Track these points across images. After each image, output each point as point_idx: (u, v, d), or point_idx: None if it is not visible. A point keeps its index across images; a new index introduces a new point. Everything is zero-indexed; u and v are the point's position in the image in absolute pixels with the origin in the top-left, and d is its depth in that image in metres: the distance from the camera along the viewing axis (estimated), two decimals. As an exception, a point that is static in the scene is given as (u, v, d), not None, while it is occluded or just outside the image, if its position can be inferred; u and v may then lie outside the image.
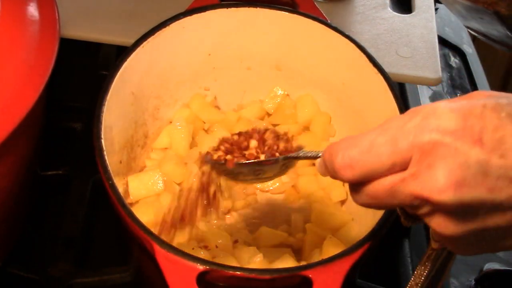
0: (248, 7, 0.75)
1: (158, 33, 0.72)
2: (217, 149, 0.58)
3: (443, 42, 1.04)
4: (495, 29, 0.63)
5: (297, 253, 0.70)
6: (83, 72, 0.88)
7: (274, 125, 0.80)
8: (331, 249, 0.65)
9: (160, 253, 0.53)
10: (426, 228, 0.57)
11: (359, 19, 0.92)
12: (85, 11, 0.87)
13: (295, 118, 0.80)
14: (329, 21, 0.75)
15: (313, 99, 0.79)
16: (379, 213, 0.59)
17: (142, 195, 0.69)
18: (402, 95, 0.95)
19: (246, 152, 0.57)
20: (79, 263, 0.71)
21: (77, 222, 0.73)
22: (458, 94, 1.00)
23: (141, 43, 0.70)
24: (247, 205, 0.75)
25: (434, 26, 0.91)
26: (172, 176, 0.72)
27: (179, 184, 0.73)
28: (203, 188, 0.60)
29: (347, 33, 0.74)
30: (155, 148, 0.76)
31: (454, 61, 1.05)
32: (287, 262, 0.67)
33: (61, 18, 0.65)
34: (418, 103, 0.95)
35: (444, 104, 0.44)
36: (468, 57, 1.05)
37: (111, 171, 0.59)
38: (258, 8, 0.75)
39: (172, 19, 0.73)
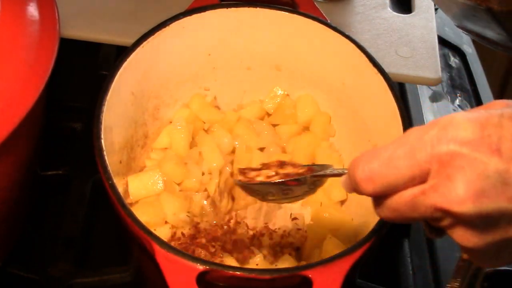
0: (248, 7, 0.75)
1: (158, 33, 0.72)
2: (246, 172, 0.59)
3: (443, 42, 1.04)
4: (488, 27, 0.63)
5: (297, 253, 0.70)
6: (83, 72, 0.88)
7: (274, 125, 0.80)
8: (331, 249, 0.65)
9: (160, 253, 0.53)
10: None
11: (359, 19, 0.92)
12: (85, 11, 0.87)
13: (295, 118, 0.80)
14: (329, 21, 0.75)
15: (313, 99, 0.79)
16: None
17: (142, 195, 0.69)
18: (402, 95, 0.95)
19: (273, 173, 0.58)
20: (79, 263, 0.71)
21: (77, 222, 0.73)
22: (458, 94, 1.00)
23: (141, 43, 0.70)
24: (247, 205, 0.75)
25: (434, 26, 0.91)
26: (172, 176, 0.72)
27: (179, 184, 0.73)
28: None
29: (347, 33, 0.74)
30: (155, 148, 0.76)
31: (454, 61, 1.05)
32: (287, 262, 0.67)
33: (61, 18, 0.65)
34: (418, 103, 0.95)
35: (461, 114, 0.43)
36: (468, 57, 1.05)
37: (111, 171, 0.59)
38: (258, 8, 0.75)
39: (172, 19, 0.73)
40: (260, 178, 0.58)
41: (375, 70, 0.71)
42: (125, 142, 0.70)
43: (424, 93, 0.98)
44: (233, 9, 0.75)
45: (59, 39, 0.63)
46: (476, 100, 0.99)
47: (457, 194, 0.42)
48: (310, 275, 0.54)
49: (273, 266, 0.67)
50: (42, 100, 0.61)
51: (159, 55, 0.73)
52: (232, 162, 0.76)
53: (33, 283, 0.69)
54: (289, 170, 0.58)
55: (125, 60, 0.69)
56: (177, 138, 0.75)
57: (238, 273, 0.54)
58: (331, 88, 0.77)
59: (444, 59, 1.04)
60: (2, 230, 0.66)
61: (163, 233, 0.68)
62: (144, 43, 0.71)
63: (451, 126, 0.43)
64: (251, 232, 0.71)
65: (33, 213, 0.74)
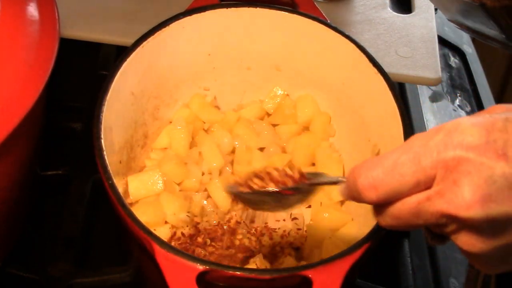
0: (248, 7, 0.75)
1: (158, 33, 0.72)
2: (241, 183, 0.58)
3: (443, 42, 1.04)
4: (484, 24, 0.62)
5: (297, 253, 0.70)
6: (83, 72, 0.88)
7: (274, 125, 0.80)
8: (331, 249, 0.65)
9: (160, 253, 0.53)
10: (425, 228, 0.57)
11: (359, 19, 0.92)
12: (85, 11, 0.87)
13: (295, 118, 0.80)
14: (329, 21, 0.75)
15: (313, 99, 0.79)
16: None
17: (142, 195, 0.69)
18: (402, 95, 0.95)
19: (268, 182, 0.57)
20: (79, 263, 0.71)
21: (77, 222, 0.73)
22: (458, 94, 1.00)
23: (141, 43, 0.70)
24: (247, 205, 0.75)
25: (434, 26, 0.92)
26: (172, 176, 0.72)
27: (179, 184, 0.73)
28: None
29: (347, 33, 0.74)
30: (155, 148, 0.76)
31: (454, 61, 1.05)
32: (287, 262, 0.67)
33: (61, 18, 0.65)
34: (418, 103, 0.95)
35: (466, 119, 0.43)
36: (468, 57, 1.05)
37: (111, 171, 0.59)
38: (258, 8, 0.75)
39: (172, 19, 0.73)
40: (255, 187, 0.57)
41: (375, 70, 0.71)
42: (125, 142, 0.70)
43: (424, 93, 0.98)
44: (233, 9, 0.75)
45: (59, 39, 0.63)
46: (476, 100, 0.99)
47: (464, 199, 0.41)
48: (310, 275, 0.54)
49: (273, 266, 0.67)
50: (42, 100, 0.61)
51: (159, 55, 0.73)
52: (232, 162, 0.76)
53: (33, 283, 0.69)
54: (281, 178, 0.57)
55: (125, 60, 0.69)
56: (177, 138, 0.75)
57: (238, 273, 0.54)
58: (331, 88, 0.77)
59: (444, 59, 1.04)
60: (2, 230, 0.66)
61: (163, 233, 0.68)
62: (144, 43, 0.71)
63: (457, 132, 0.43)
64: (251, 232, 0.71)
65: (33, 213, 0.74)
